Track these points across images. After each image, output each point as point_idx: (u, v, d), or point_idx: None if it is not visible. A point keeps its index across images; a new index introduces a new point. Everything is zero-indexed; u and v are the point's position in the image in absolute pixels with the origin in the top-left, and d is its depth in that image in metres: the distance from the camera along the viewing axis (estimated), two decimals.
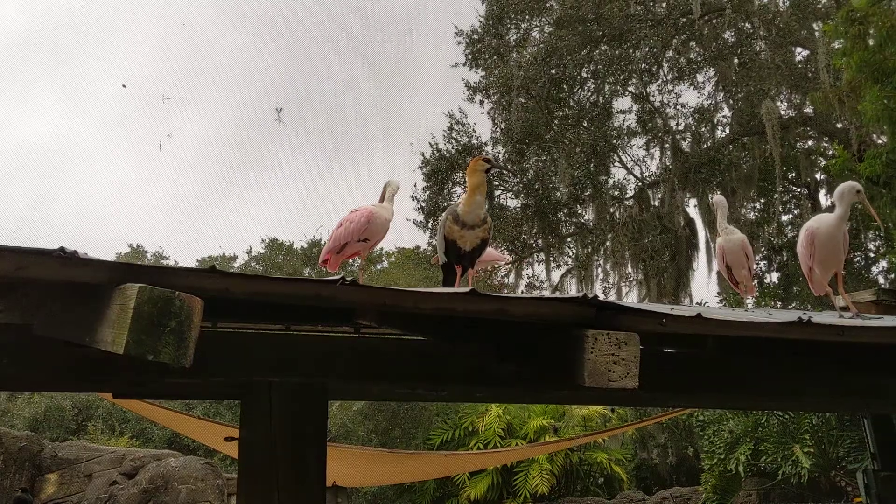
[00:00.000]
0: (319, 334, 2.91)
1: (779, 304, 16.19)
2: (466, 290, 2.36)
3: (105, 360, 2.39)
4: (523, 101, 17.45)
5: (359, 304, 2.41)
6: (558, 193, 17.43)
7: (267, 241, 27.99)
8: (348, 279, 2.23)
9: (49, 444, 13.16)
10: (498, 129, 18.31)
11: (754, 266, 4.61)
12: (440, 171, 17.75)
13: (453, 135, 18.23)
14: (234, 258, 30.31)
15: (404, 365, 2.89)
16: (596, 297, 2.47)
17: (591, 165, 17.73)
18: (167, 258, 31.88)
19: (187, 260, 32.54)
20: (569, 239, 19.19)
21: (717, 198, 4.79)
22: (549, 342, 2.64)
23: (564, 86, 18.48)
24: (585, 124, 18.29)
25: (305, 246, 27.36)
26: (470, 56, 18.86)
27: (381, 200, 3.85)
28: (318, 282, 2.30)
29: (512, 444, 12.80)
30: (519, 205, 18.38)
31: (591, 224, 18.35)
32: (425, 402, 12.66)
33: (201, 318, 2.00)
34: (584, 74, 18.72)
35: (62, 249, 2.08)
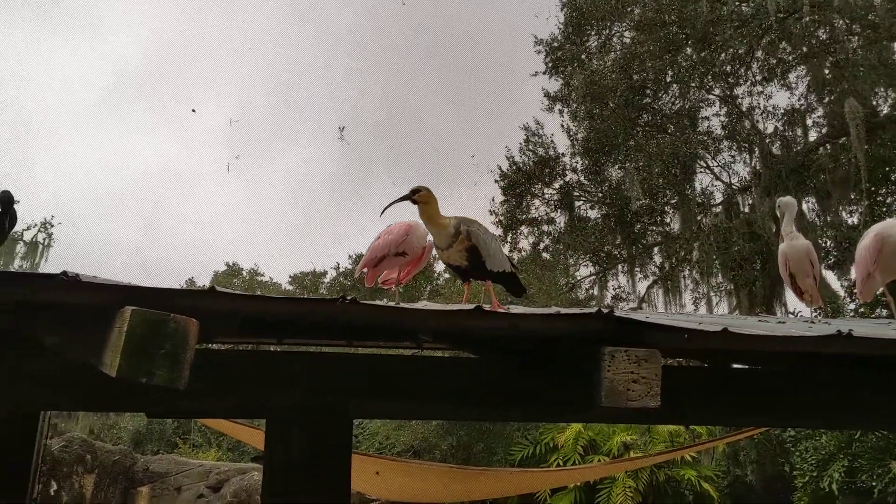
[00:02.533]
0: (343, 353, 2.89)
1: (884, 312, 15.35)
2: (471, 307, 2.28)
3: (130, 382, 2.40)
4: (602, 109, 17.16)
5: (365, 322, 2.37)
6: (640, 203, 17.02)
7: (354, 257, 28.43)
8: (349, 297, 2.20)
9: (141, 458, 13.71)
10: (575, 139, 18.08)
11: (819, 274, 4.32)
12: (518, 184, 17.63)
13: (530, 146, 18.11)
14: (324, 274, 30.95)
15: (430, 383, 2.82)
16: (612, 311, 2.35)
17: (676, 172, 17.27)
18: (262, 275, 32.84)
19: (281, 276, 33.43)
20: (654, 249, 18.73)
21: (785, 199, 4.52)
22: (574, 359, 2.54)
23: (648, 91, 18.10)
24: (671, 130, 17.85)
25: None
26: (550, 64, 18.70)
27: None
28: (318, 301, 2.28)
29: (594, 461, 12.54)
30: (600, 216, 18.07)
31: (676, 233, 17.85)
32: (455, 420, 12.53)
33: (197, 339, 1.99)
34: (668, 79, 18.29)
35: (65, 273, 2.11)
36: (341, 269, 29.68)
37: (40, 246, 21.01)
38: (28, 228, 19.70)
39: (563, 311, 2.70)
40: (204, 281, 32.48)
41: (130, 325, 1.94)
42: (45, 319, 2.60)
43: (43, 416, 3.63)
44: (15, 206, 3.77)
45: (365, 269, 3.75)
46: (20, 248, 19.82)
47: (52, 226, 20.57)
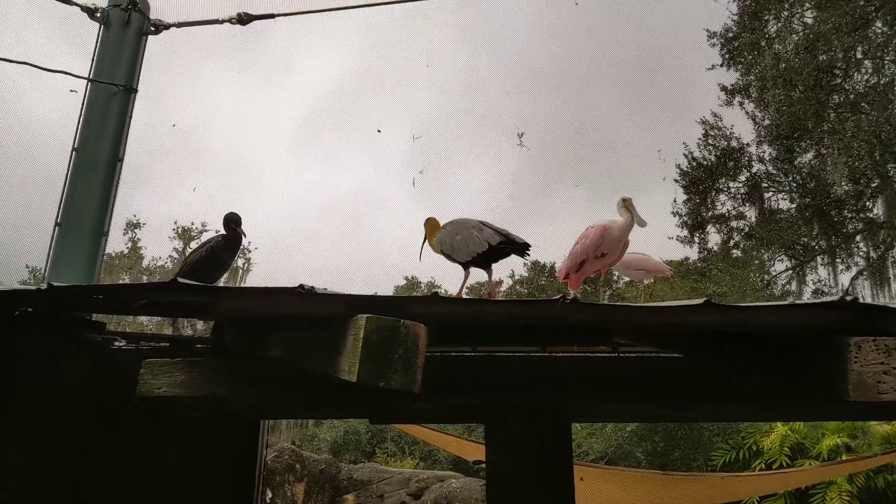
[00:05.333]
0: (552, 355, 2.87)
1: None
2: (701, 301, 2.18)
3: (356, 388, 2.51)
4: (788, 94, 16.18)
5: (586, 322, 2.33)
6: (839, 189, 15.85)
7: (529, 265, 28.41)
8: (569, 297, 2.17)
9: (345, 466, 14.37)
10: (761, 128, 17.15)
11: None
12: (700, 181, 16.96)
13: (710, 140, 17.38)
14: (500, 283, 31.14)
15: (643, 384, 2.75)
16: (855, 299, 2.18)
17: (876, 154, 15.95)
18: (438, 287, 33.54)
19: (455, 287, 33.94)
20: (857, 237, 17.37)
21: None
22: (801, 353, 2.38)
23: (837, 70, 16.88)
24: (866, 109, 16.53)
25: None
26: (727, 55, 17.92)
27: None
28: (540, 302, 2.27)
29: (804, 465, 11.76)
30: (794, 206, 17.01)
31: (881, 219, 16.47)
32: (670, 423, 12.05)
33: (426, 343, 2.04)
34: (859, 56, 16.97)
35: (301, 286, 2.23)
36: (517, 277, 29.73)
37: (240, 271, 22.53)
38: None
39: (799, 301, 2.54)
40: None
41: (366, 332, 2.01)
42: (272, 331, 2.77)
43: (263, 425, 3.87)
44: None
45: (566, 275, 3.74)
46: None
47: (250, 251, 21.94)
